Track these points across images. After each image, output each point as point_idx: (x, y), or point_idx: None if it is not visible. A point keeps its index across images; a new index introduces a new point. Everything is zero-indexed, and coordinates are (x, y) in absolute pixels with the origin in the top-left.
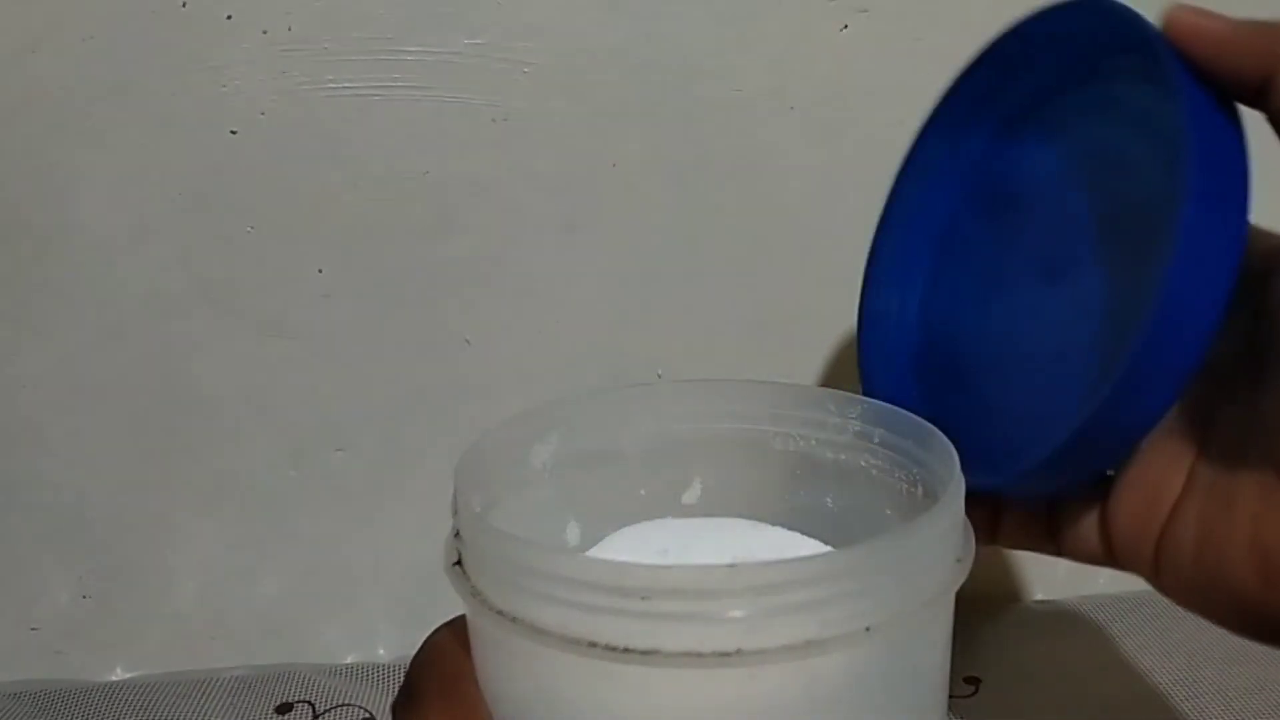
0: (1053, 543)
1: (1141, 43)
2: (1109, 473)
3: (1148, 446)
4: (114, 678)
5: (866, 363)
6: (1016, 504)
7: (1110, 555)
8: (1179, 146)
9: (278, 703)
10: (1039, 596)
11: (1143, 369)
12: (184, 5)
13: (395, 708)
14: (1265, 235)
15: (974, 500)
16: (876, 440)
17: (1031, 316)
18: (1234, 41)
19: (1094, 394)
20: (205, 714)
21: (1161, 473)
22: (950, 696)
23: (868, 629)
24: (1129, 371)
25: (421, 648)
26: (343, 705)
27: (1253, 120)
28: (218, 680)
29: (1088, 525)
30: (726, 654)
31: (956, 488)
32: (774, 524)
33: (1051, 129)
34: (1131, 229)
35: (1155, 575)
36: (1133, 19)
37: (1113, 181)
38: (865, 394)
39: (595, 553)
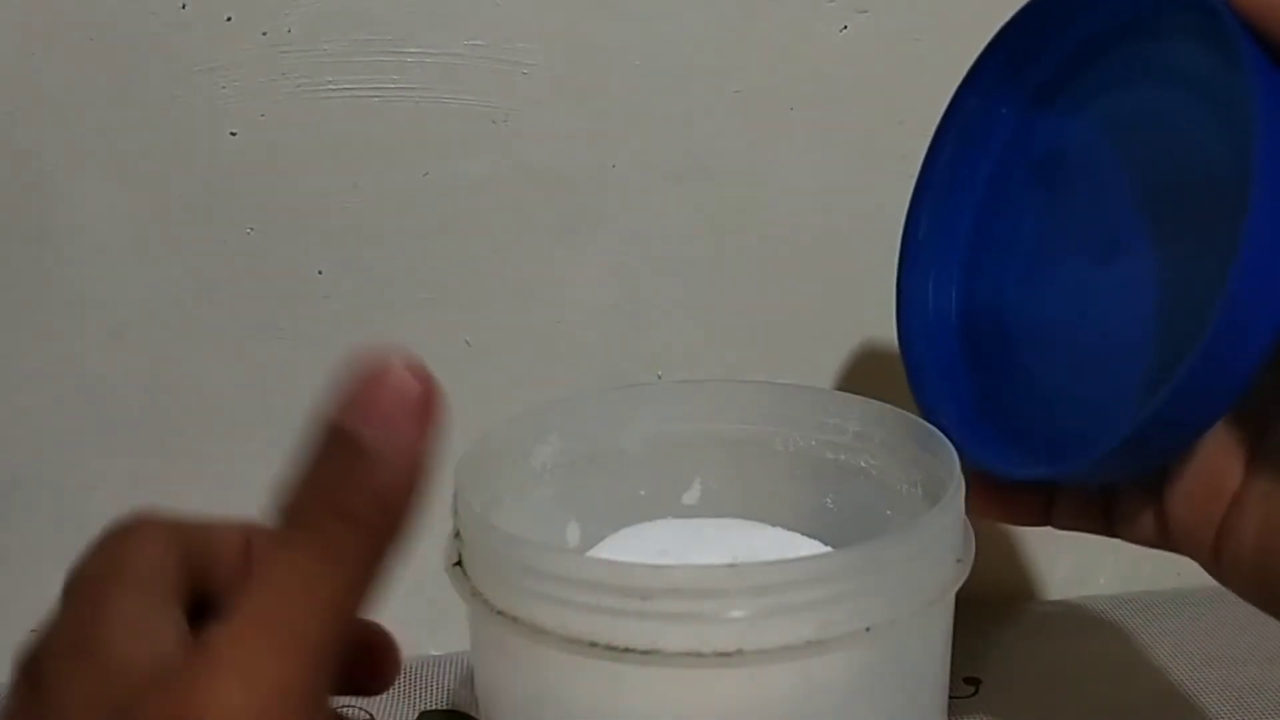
0: (1108, 525)
1: (1201, 4)
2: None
3: (1208, 435)
4: None
5: (908, 334)
6: (1071, 487)
7: (1168, 541)
8: (1246, 128)
9: None
10: (1039, 596)
11: (1207, 368)
12: (184, 7)
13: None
14: None
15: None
16: (877, 441)
17: (1083, 295)
18: None
19: (1156, 388)
20: None
21: (1221, 463)
22: (950, 696)
23: (868, 629)
24: (1192, 371)
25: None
26: (342, 705)
27: None
28: None
29: (1145, 511)
30: (727, 654)
31: (956, 488)
32: (774, 524)
33: (1096, 90)
34: (1190, 205)
35: (1215, 565)
36: None
37: (1166, 150)
38: (908, 370)
39: (595, 553)
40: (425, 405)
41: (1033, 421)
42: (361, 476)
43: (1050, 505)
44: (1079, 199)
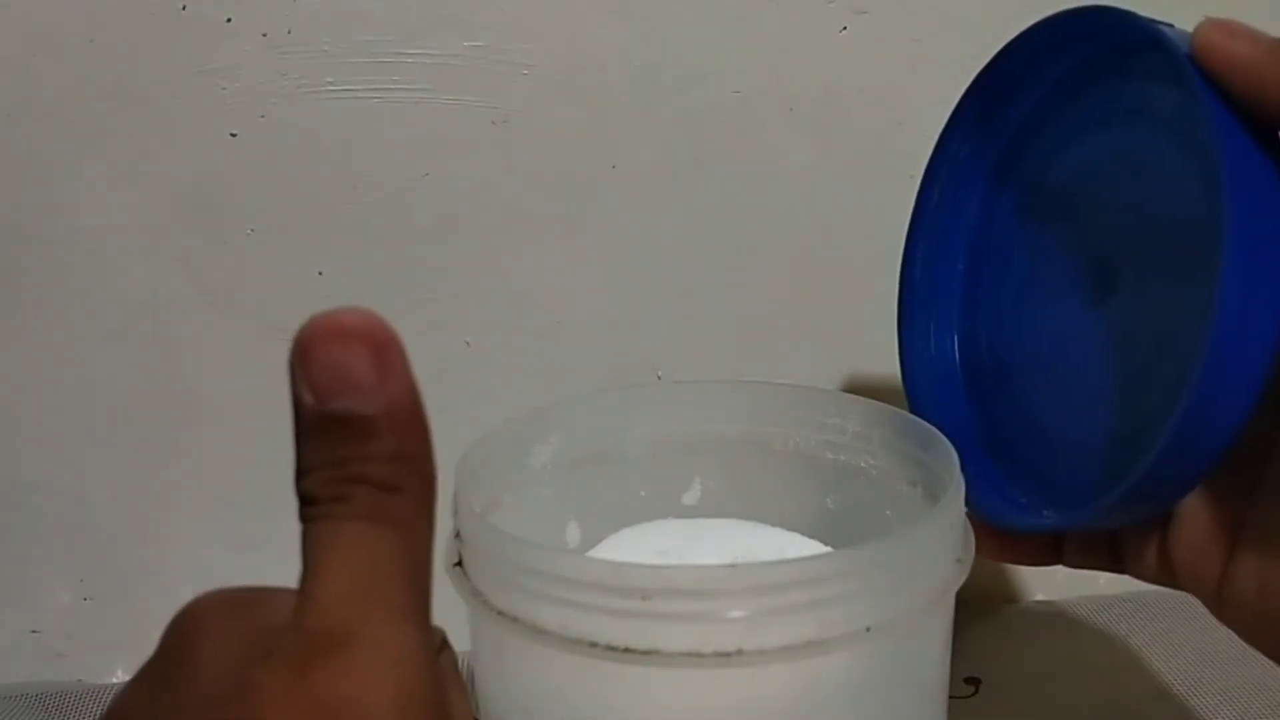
0: (1116, 564)
1: (1166, 53)
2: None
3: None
4: (115, 680)
5: (912, 379)
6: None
7: (1174, 582)
8: (1216, 179)
9: None
10: (1039, 597)
11: (1188, 429)
12: (184, 8)
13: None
14: None
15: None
16: (876, 441)
17: (1075, 335)
18: (1268, 70)
19: (1150, 430)
20: None
21: (1219, 507)
22: (950, 696)
23: (868, 629)
24: (1177, 430)
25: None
26: None
27: None
28: None
29: (1150, 552)
30: (727, 654)
31: (956, 488)
32: (774, 524)
33: (1073, 130)
34: (1171, 243)
35: (1218, 609)
36: (1157, 36)
37: (1143, 189)
38: (912, 409)
39: (595, 553)
40: (376, 348)
41: (1036, 462)
42: (361, 446)
43: (1059, 545)
44: (1063, 239)
